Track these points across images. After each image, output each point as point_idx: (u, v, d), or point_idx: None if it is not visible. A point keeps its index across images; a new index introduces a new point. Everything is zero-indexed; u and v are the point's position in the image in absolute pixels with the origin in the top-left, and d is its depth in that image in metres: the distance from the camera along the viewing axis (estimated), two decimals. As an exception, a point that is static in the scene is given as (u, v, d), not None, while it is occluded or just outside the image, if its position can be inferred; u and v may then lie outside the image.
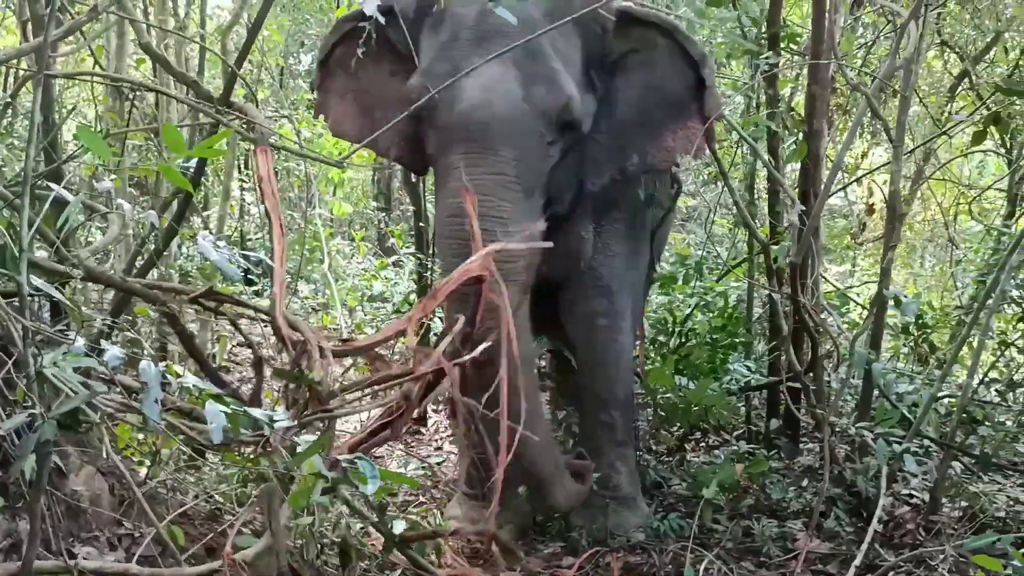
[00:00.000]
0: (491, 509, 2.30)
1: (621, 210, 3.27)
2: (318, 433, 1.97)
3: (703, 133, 2.94)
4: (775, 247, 3.48)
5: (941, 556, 2.82)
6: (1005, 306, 3.98)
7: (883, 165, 4.25)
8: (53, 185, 2.03)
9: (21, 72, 3.14)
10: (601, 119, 2.95)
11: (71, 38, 4.01)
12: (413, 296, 5.67)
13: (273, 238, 2.30)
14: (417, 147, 2.93)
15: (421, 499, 3.60)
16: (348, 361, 2.81)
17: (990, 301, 3.33)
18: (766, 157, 3.78)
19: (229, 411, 1.70)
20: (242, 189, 7.76)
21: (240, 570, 1.75)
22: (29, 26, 3.33)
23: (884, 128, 3.64)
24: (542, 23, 2.58)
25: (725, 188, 4.96)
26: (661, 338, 4.50)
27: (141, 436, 2.53)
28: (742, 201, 3.82)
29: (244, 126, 2.90)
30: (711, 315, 4.57)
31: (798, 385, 3.63)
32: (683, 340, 4.44)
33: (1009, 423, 3.74)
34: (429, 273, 5.59)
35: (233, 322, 2.60)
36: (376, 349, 2.25)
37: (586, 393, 3.36)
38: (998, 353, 4.26)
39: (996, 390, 4.13)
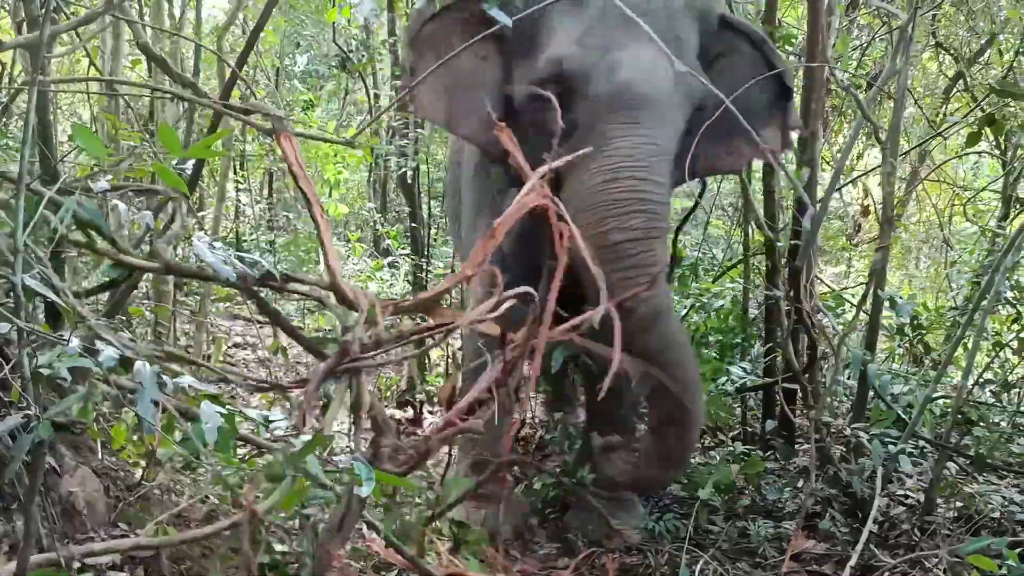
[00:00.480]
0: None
1: None
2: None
3: (781, 140, 3.05)
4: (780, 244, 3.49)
5: (936, 559, 2.83)
6: (1000, 307, 3.99)
7: (878, 167, 4.26)
8: (40, 188, 2.02)
9: (17, 73, 3.13)
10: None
11: (66, 38, 4.01)
12: (409, 298, 5.66)
13: (315, 215, 2.28)
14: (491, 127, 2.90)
15: (417, 500, 3.60)
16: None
17: (985, 302, 3.34)
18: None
19: (225, 412, 1.69)
20: (237, 190, 7.76)
21: (261, 522, 1.74)
22: (24, 27, 3.33)
23: (874, 131, 3.65)
24: (681, 11, 2.73)
25: (722, 189, 4.98)
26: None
27: (136, 437, 2.52)
28: (745, 201, 3.83)
29: (248, 120, 2.90)
30: (706, 316, 4.58)
31: (794, 386, 3.64)
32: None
33: (1004, 424, 3.75)
34: (424, 274, 5.60)
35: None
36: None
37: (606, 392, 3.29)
38: (993, 354, 4.27)
39: (991, 391, 4.14)
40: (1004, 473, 3.64)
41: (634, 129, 2.58)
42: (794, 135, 3.36)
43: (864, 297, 3.61)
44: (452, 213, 4.26)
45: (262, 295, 2.20)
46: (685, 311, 4.60)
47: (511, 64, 2.88)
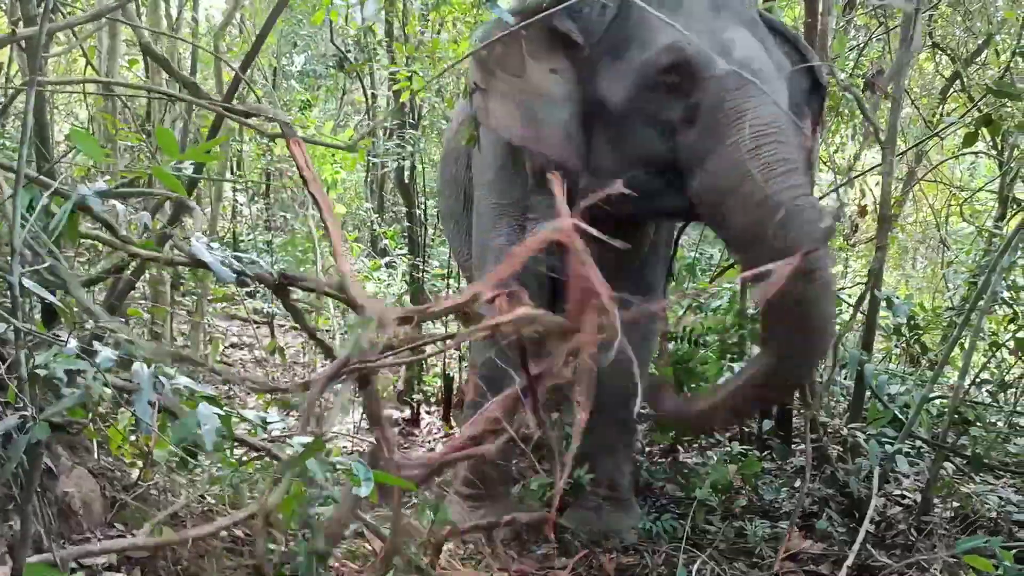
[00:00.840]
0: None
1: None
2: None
3: (812, 133, 3.07)
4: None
5: (934, 561, 2.84)
6: (996, 307, 4.00)
7: (875, 167, 4.27)
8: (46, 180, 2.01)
9: (14, 73, 3.12)
10: None
11: (63, 37, 4.01)
12: (406, 297, 5.67)
13: (326, 219, 2.28)
14: (582, 149, 2.92)
15: (415, 500, 3.60)
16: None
17: (981, 302, 3.34)
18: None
19: (222, 413, 1.69)
20: (234, 190, 7.76)
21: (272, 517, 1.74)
22: (21, 26, 3.32)
23: (874, 129, 3.64)
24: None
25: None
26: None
27: (133, 437, 2.52)
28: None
29: (250, 123, 2.90)
30: (704, 316, 4.57)
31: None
32: (693, 344, 4.43)
33: (1000, 424, 3.76)
34: (421, 275, 5.60)
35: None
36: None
37: (609, 392, 3.30)
38: (989, 354, 4.28)
39: (987, 391, 4.15)
40: (1001, 473, 3.65)
41: (764, 99, 2.61)
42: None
43: (862, 297, 3.62)
44: (448, 212, 4.22)
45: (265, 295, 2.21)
46: (682, 311, 4.60)
47: (595, 70, 2.88)
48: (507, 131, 3.01)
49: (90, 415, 1.65)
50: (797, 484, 3.57)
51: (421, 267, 5.61)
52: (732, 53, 2.67)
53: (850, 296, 5.79)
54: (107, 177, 3.51)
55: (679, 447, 4.20)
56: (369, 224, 8.27)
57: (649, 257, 3.31)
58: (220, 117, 2.73)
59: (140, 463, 2.50)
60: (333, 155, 6.87)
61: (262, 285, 2.05)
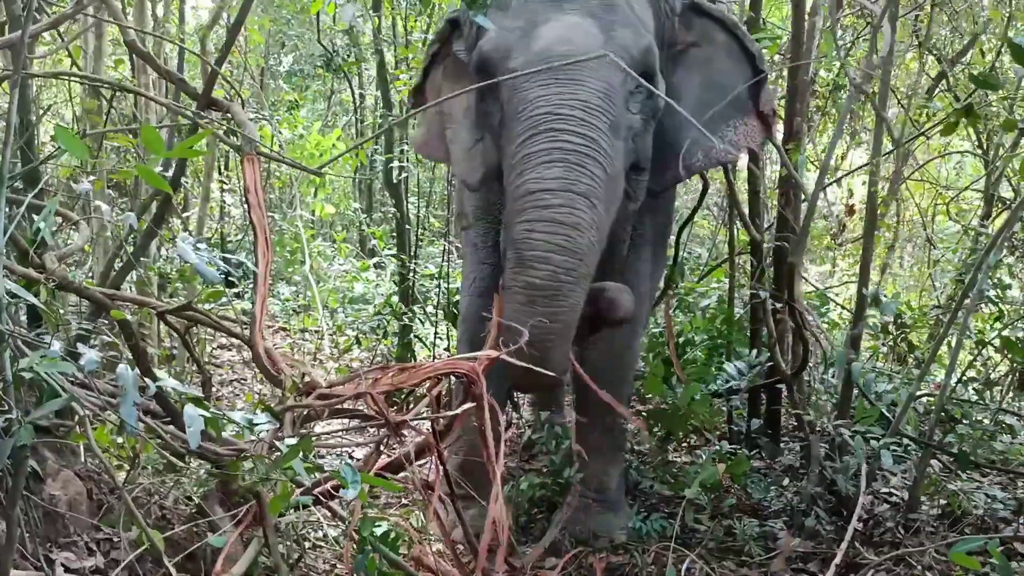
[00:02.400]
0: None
1: (657, 214, 3.24)
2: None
3: (762, 126, 3.01)
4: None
5: (921, 555, 2.85)
6: (982, 305, 4.02)
7: (863, 166, 4.29)
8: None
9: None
10: (665, 117, 2.92)
11: (48, 37, 3.98)
12: (395, 298, 5.66)
13: (257, 253, 2.25)
14: (476, 162, 2.94)
15: (404, 501, 3.60)
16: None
17: (967, 301, 3.36)
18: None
19: (208, 415, 1.69)
20: (222, 191, 7.72)
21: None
22: (7, 29, 3.30)
23: (886, 129, 3.57)
24: None
25: (709, 190, 4.99)
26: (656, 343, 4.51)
27: (120, 440, 2.51)
28: (731, 200, 3.85)
29: (227, 127, 2.89)
30: (691, 316, 4.59)
31: (779, 385, 3.65)
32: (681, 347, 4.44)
33: (987, 421, 3.77)
34: (411, 275, 5.59)
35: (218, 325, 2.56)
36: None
37: (593, 395, 3.31)
38: (976, 352, 4.30)
39: (974, 389, 4.17)
40: (987, 470, 3.67)
41: (551, 87, 2.50)
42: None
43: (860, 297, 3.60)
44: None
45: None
46: (672, 310, 4.61)
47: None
48: (423, 150, 3.21)
49: (76, 418, 1.64)
50: (785, 483, 3.58)
51: (411, 267, 5.60)
52: (534, 43, 2.58)
53: (837, 295, 5.83)
54: (93, 177, 3.49)
55: (668, 447, 4.20)
56: (358, 224, 8.26)
57: (629, 258, 3.18)
58: (199, 116, 2.73)
59: (127, 466, 2.49)
60: (321, 155, 6.85)
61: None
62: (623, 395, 3.28)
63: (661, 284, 4.03)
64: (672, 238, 3.97)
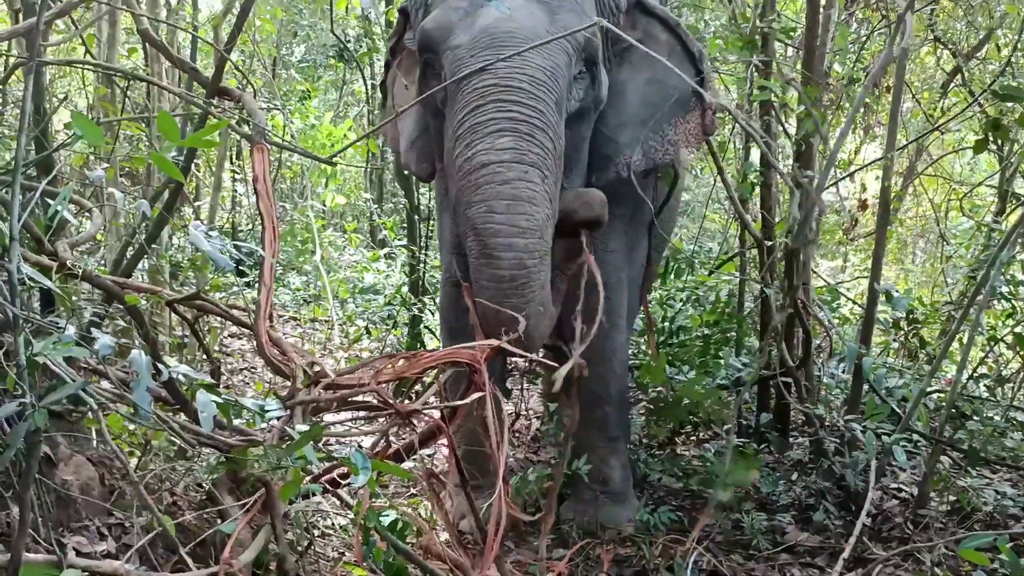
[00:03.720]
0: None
1: (620, 205, 3.24)
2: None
3: (703, 126, 3.00)
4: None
5: (929, 551, 2.85)
6: (995, 302, 4.00)
7: (875, 160, 4.27)
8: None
9: (12, 60, 3.11)
10: (609, 112, 2.94)
11: (61, 25, 3.99)
12: (405, 288, 5.67)
13: (264, 243, 2.25)
14: (423, 151, 2.97)
15: (413, 490, 3.61)
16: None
17: (980, 297, 3.34)
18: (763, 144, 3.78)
19: (220, 401, 1.69)
20: (234, 180, 7.74)
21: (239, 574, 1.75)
22: (21, 16, 3.31)
23: (897, 118, 3.51)
24: None
25: (719, 183, 4.99)
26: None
27: (132, 427, 2.53)
28: (736, 194, 3.82)
29: (239, 116, 2.90)
30: (702, 310, 4.58)
31: (789, 379, 3.64)
32: (675, 335, 4.45)
33: (997, 418, 3.76)
34: (421, 266, 5.60)
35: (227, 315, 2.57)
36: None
37: (582, 392, 3.32)
38: (987, 349, 4.28)
39: (985, 385, 4.16)
40: (997, 467, 3.65)
41: (498, 64, 2.48)
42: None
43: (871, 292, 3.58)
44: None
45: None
46: (680, 304, 4.60)
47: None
48: (393, 147, 3.30)
49: (89, 404, 1.65)
50: (794, 477, 3.58)
51: (421, 258, 5.60)
52: (476, 22, 2.57)
53: (848, 290, 5.81)
54: (106, 165, 3.50)
55: (676, 440, 4.21)
56: (368, 215, 8.27)
57: (604, 255, 3.12)
58: (208, 103, 2.74)
59: (138, 452, 2.51)
60: (332, 144, 6.85)
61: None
62: (609, 389, 3.29)
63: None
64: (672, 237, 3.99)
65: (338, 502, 2.56)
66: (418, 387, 4.71)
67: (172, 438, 2.16)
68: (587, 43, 2.68)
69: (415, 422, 2.15)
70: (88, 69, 4.41)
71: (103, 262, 3.77)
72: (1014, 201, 5.03)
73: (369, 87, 7.97)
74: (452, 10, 2.63)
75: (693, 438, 4.36)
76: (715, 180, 6.02)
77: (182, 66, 3.25)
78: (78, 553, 1.90)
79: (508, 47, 2.49)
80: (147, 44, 3.63)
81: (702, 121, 2.98)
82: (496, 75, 2.47)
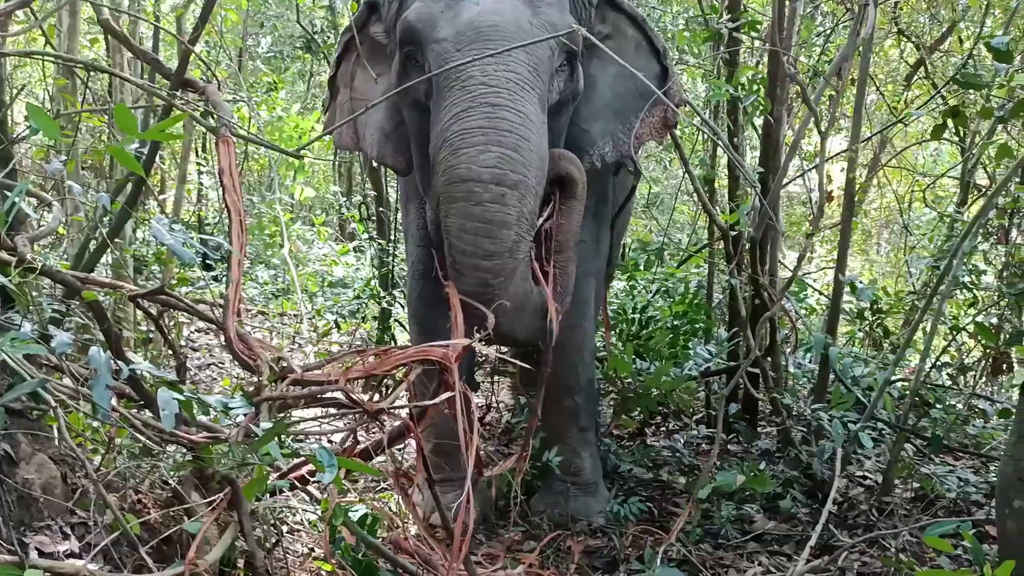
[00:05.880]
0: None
1: (588, 197, 3.25)
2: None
3: (665, 120, 3.05)
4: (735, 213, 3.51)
5: (894, 538, 2.89)
6: (957, 292, 4.06)
7: (840, 152, 4.32)
8: None
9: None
10: (582, 105, 2.94)
11: (21, 16, 3.91)
12: (374, 281, 5.63)
13: (232, 237, 2.21)
14: (400, 144, 2.93)
15: (383, 484, 3.59)
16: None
17: (943, 287, 3.40)
18: (726, 140, 3.81)
19: (183, 398, 1.67)
20: (200, 172, 7.64)
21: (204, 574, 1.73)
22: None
23: (861, 111, 3.56)
24: None
25: (686, 175, 5.02)
26: (622, 325, 4.53)
27: (96, 424, 2.48)
28: (702, 187, 3.84)
29: (202, 109, 2.86)
30: (672, 301, 4.60)
31: (757, 370, 3.68)
32: (643, 326, 4.47)
33: (960, 406, 3.82)
34: (391, 259, 5.57)
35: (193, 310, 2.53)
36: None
37: (551, 382, 3.33)
38: (950, 338, 4.35)
39: (948, 374, 4.23)
40: (960, 454, 3.72)
41: (486, 61, 2.47)
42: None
43: (837, 283, 3.64)
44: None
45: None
46: (650, 296, 4.62)
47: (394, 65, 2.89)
48: (341, 142, 3.17)
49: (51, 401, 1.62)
50: (762, 467, 3.61)
51: (390, 251, 5.57)
52: (461, 15, 2.57)
53: (815, 281, 5.87)
54: (64, 158, 3.44)
55: (646, 430, 4.23)
56: (337, 208, 8.21)
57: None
58: (173, 96, 2.69)
59: (102, 449, 2.47)
60: (300, 137, 6.79)
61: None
62: (579, 379, 3.30)
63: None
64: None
65: (307, 498, 2.54)
66: (389, 381, 4.70)
67: (136, 435, 2.13)
68: (569, 36, 2.66)
69: (383, 420, 2.14)
70: (48, 60, 4.32)
71: (65, 256, 3.71)
72: (975, 192, 5.12)
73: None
74: (434, 2, 2.61)
75: (663, 429, 4.38)
76: (682, 173, 6.06)
77: (144, 57, 3.19)
78: (40, 553, 1.87)
79: (493, 41, 2.49)
80: (108, 35, 3.57)
81: (664, 115, 3.03)
82: (484, 74, 2.47)
